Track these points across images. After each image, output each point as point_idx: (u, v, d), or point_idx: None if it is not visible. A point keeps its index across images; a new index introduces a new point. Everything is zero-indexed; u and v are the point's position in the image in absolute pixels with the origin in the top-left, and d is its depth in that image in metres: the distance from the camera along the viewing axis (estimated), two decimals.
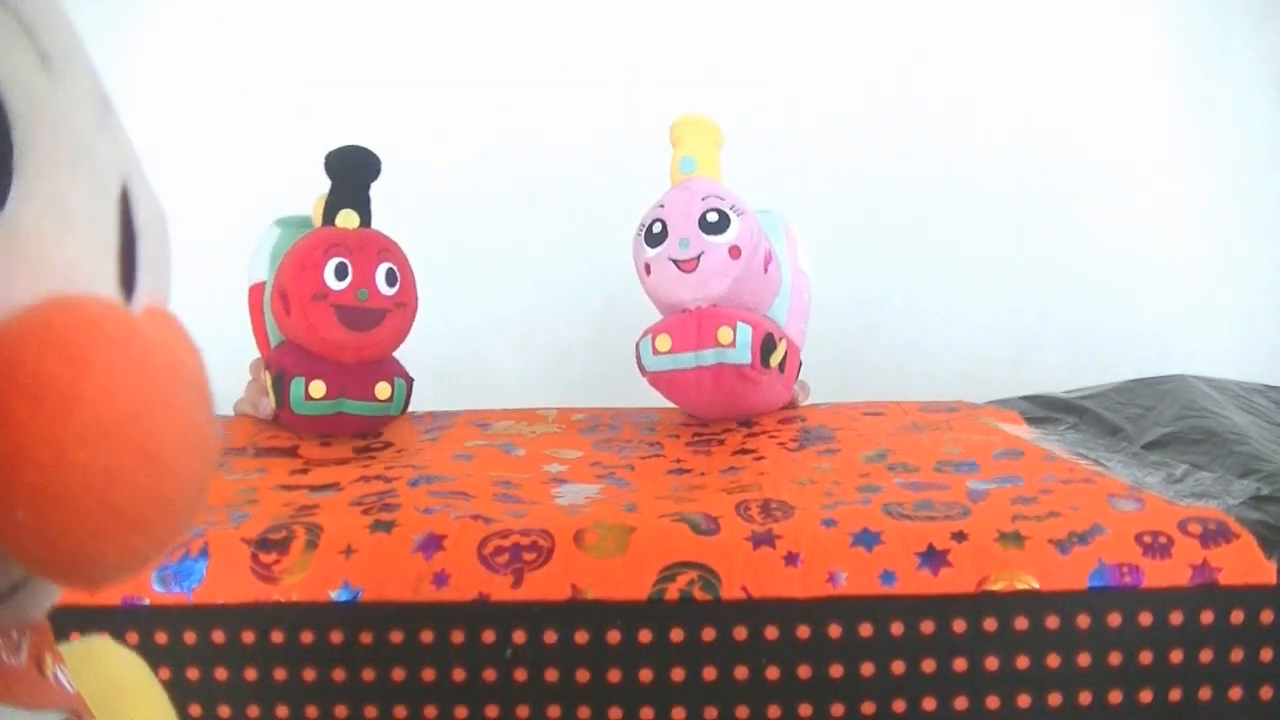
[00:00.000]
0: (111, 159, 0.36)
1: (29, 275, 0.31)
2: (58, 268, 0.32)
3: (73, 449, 0.29)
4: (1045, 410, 1.50)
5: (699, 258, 1.34)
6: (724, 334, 1.31)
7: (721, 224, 1.34)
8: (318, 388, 1.30)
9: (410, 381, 1.41)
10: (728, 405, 1.44)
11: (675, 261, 1.35)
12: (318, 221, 1.39)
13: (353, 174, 1.39)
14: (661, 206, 1.41)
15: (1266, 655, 0.93)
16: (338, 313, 1.30)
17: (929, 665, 0.92)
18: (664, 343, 1.36)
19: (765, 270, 1.40)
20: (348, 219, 1.37)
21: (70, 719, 0.36)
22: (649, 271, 1.39)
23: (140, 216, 0.38)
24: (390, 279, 1.36)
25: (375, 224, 1.40)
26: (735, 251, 1.33)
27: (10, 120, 0.31)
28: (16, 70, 0.32)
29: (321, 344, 1.31)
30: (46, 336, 0.29)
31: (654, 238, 1.39)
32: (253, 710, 0.94)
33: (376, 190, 1.41)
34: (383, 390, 1.36)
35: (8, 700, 0.33)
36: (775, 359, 1.37)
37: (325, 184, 1.37)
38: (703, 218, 1.35)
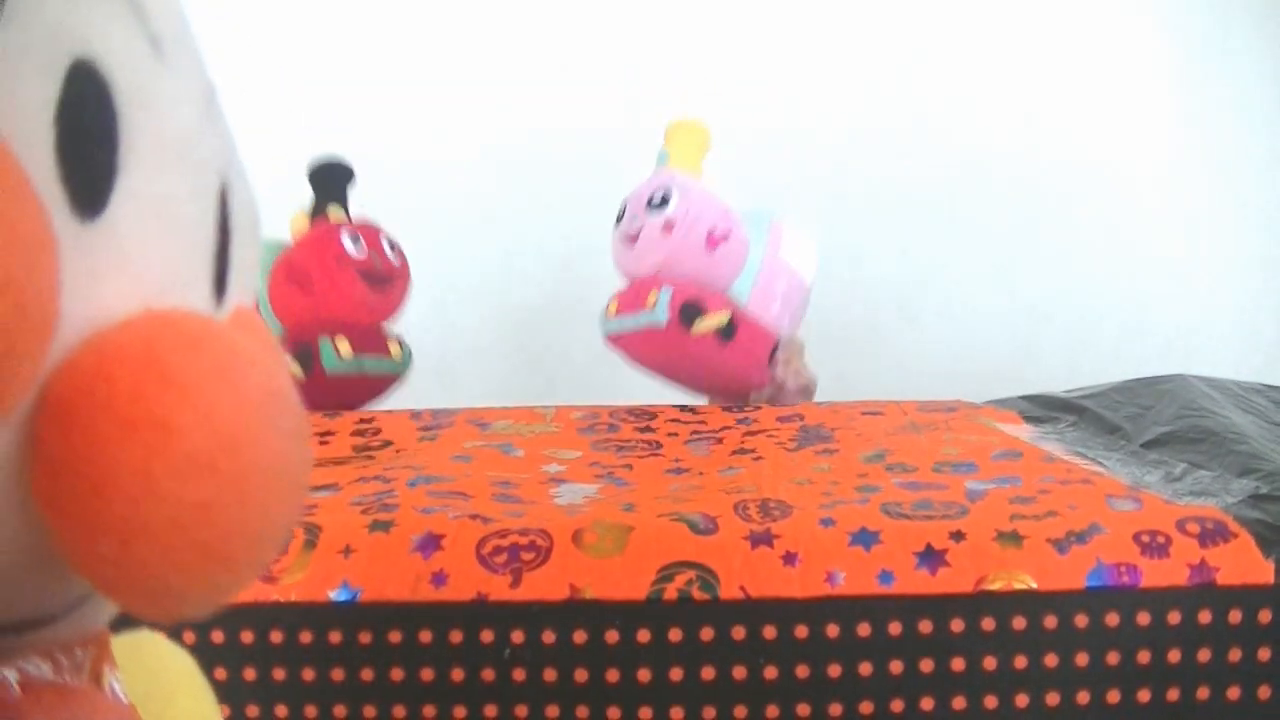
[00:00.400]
0: (214, 154, 0.34)
1: (126, 281, 0.29)
2: (156, 273, 0.30)
3: (165, 482, 0.26)
4: (1044, 410, 1.50)
5: (639, 232, 1.51)
6: (650, 297, 1.47)
7: (663, 203, 1.49)
8: (344, 344, 1.49)
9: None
10: (671, 368, 1.58)
11: (625, 236, 1.53)
12: (298, 231, 1.56)
13: (335, 178, 1.61)
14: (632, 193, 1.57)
15: (1264, 655, 0.93)
16: (361, 274, 1.51)
17: (927, 665, 0.92)
18: (612, 307, 1.55)
19: (709, 247, 1.50)
20: (336, 214, 1.56)
21: None
22: (614, 246, 1.56)
23: (236, 214, 0.36)
24: (392, 247, 1.60)
25: (389, 220, 1.56)
26: (668, 226, 1.47)
27: (117, 112, 0.28)
28: (127, 57, 0.29)
29: (346, 304, 1.50)
30: (145, 357, 0.27)
31: (619, 218, 1.57)
32: (252, 710, 0.94)
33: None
34: (395, 348, 1.60)
35: None
36: (703, 325, 1.46)
37: (302, 189, 1.47)
38: (650, 198, 1.51)
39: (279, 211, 1.57)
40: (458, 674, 0.92)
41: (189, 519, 0.27)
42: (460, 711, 0.93)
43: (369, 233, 1.57)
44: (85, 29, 0.27)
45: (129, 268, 0.29)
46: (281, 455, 0.30)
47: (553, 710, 0.93)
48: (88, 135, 0.28)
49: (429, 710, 0.93)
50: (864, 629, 0.92)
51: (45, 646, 0.31)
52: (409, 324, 1.93)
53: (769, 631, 0.92)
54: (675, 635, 0.92)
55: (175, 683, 0.49)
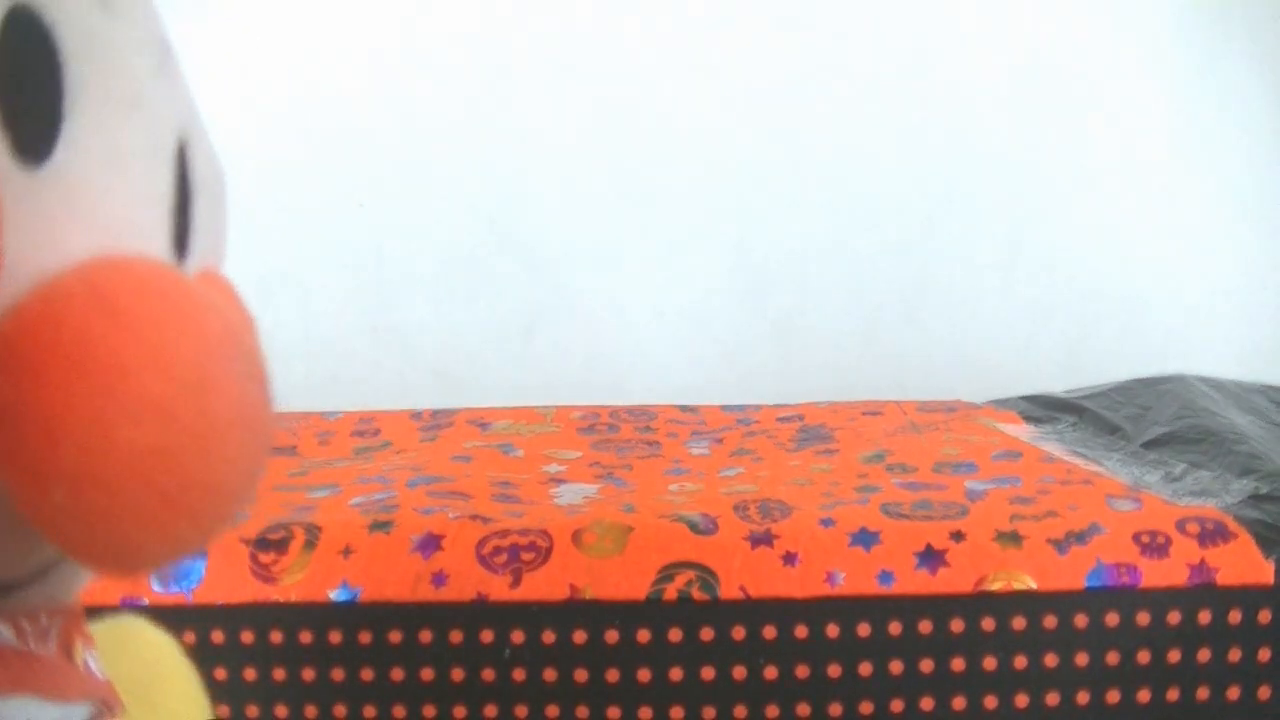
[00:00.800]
0: (169, 109, 0.33)
1: (77, 227, 0.28)
2: (108, 220, 0.29)
3: (118, 426, 0.25)
4: (1044, 410, 1.50)
5: None
6: None
7: None
8: None
9: None
10: None
11: None
12: None
13: None
14: None
15: (1264, 655, 0.93)
16: None
17: (927, 665, 0.92)
18: None
19: None
20: None
21: (99, 709, 0.33)
22: None
23: (198, 173, 0.35)
24: None
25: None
26: None
27: (63, 59, 0.28)
28: (70, 6, 0.28)
29: None
30: (92, 297, 0.26)
31: None
32: (252, 710, 0.94)
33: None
34: None
35: (34, 692, 0.30)
36: None
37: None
38: None
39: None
40: (458, 674, 0.92)
41: (145, 466, 0.26)
42: (460, 711, 0.93)
43: None
44: None
45: (79, 215, 0.28)
46: (242, 400, 0.29)
47: (553, 710, 0.93)
48: (29, 80, 0.27)
49: (429, 710, 0.93)
50: (864, 629, 0.92)
51: (9, 613, 0.30)
52: (410, 324, 1.93)
53: (769, 631, 0.92)
54: (675, 635, 0.92)
55: (163, 669, 0.48)
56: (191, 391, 0.27)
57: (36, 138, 0.27)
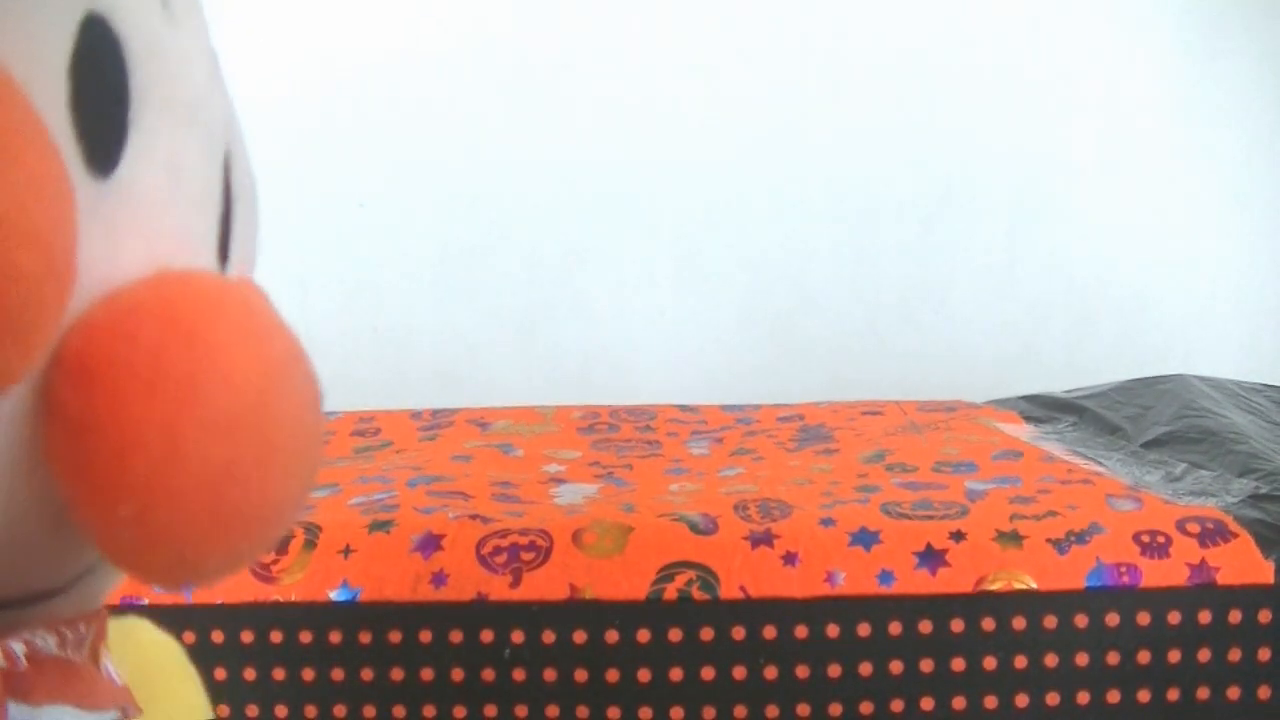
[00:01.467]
0: (220, 117, 0.34)
1: (139, 237, 0.28)
2: (167, 230, 0.29)
3: (191, 442, 0.25)
4: (1044, 410, 1.50)
5: None
6: None
7: None
8: None
9: None
10: None
11: None
12: None
13: None
14: None
15: (1264, 655, 0.93)
16: None
17: (927, 665, 0.92)
18: None
19: None
20: None
21: (121, 715, 0.33)
22: None
23: (237, 180, 0.35)
24: None
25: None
26: None
27: (129, 69, 0.28)
28: (138, 13, 0.28)
29: None
30: (167, 316, 0.26)
31: None
32: (252, 710, 0.94)
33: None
34: None
35: (73, 701, 0.30)
36: None
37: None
38: None
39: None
40: (458, 674, 0.92)
41: (213, 481, 0.26)
42: (460, 711, 0.93)
43: None
44: None
45: (142, 226, 0.28)
46: (300, 420, 0.29)
47: (553, 710, 0.93)
48: (101, 90, 0.27)
49: (429, 710, 0.93)
50: (864, 629, 0.92)
51: (50, 620, 0.31)
52: (410, 324, 1.93)
53: (769, 631, 0.92)
54: (675, 635, 0.92)
55: (164, 670, 0.48)
56: (257, 411, 0.27)
57: (105, 149, 0.27)
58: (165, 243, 0.29)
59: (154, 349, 0.25)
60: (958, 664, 0.92)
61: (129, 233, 0.28)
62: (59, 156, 0.24)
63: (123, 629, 0.46)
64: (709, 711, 0.92)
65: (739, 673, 0.92)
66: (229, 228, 0.34)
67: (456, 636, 0.92)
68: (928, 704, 0.93)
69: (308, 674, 0.93)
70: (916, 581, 0.92)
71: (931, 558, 0.93)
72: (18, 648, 0.29)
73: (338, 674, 0.93)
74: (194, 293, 0.28)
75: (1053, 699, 0.93)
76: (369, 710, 0.93)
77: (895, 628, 0.92)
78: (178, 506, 0.26)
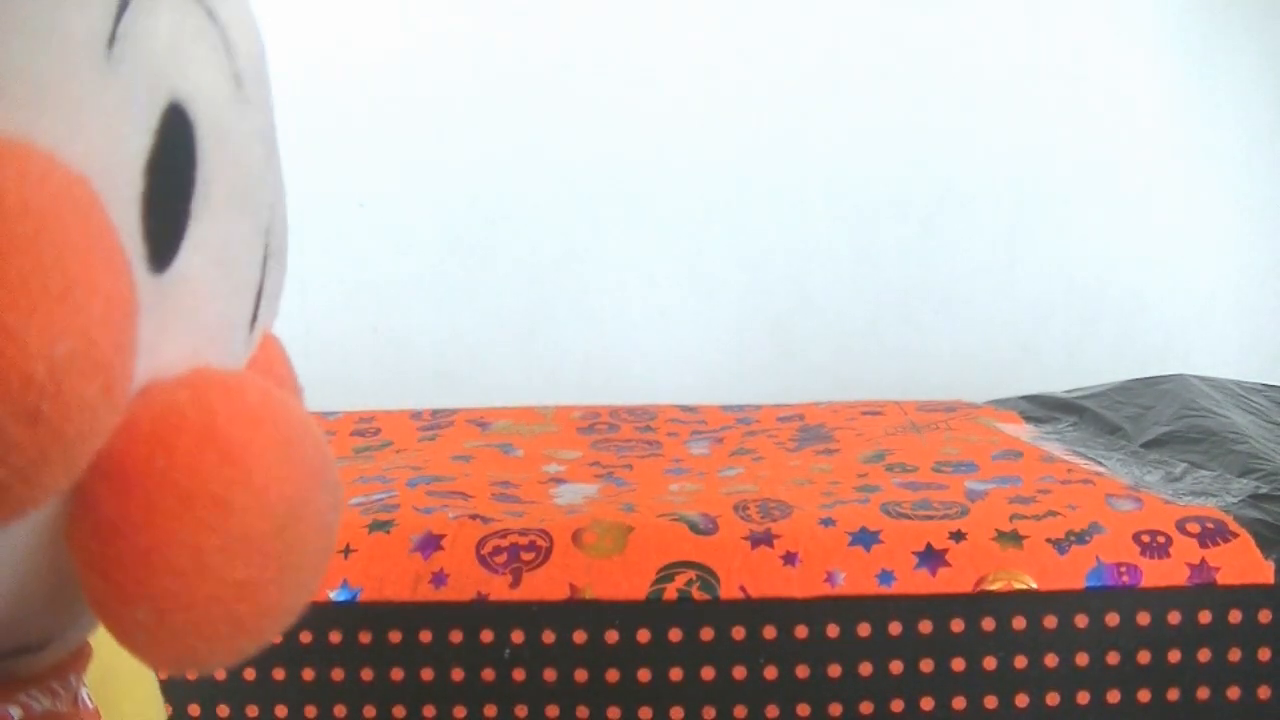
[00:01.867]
0: (271, 191, 0.32)
1: (185, 331, 0.27)
2: (211, 321, 0.29)
3: (215, 559, 0.25)
4: (1045, 410, 1.50)
5: None
6: None
7: None
8: None
9: None
10: None
11: None
12: None
13: None
14: None
15: (1264, 655, 0.93)
16: None
17: (927, 665, 0.92)
18: None
19: None
20: None
21: None
22: None
23: (274, 241, 0.34)
24: None
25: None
26: None
27: (198, 157, 0.27)
28: (213, 97, 0.27)
29: None
30: (206, 429, 0.25)
31: None
32: (251, 710, 0.94)
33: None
34: None
35: None
36: None
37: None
38: None
39: None
40: (458, 674, 0.92)
41: (230, 596, 0.26)
42: (460, 711, 0.93)
43: None
44: (184, 67, 0.26)
45: (188, 318, 0.28)
46: (324, 529, 0.29)
47: (553, 710, 0.93)
48: (173, 185, 0.26)
49: (429, 710, 0.93)
50: (864, 629, 0.92)
51: (43, 678, 0.30)
52: (410, 324, 1.93)
53: (769, 631, 0.92)
54: (675, 635, 0.92)
55: (120, 670, 0.48)
56: (284, 531, 0.27)
57: (167, 245, 0.26)
58: (207, 333, 0.29)
59: (192, 462, 0.25)
60: (958, 664, 0.92)
61: (176, 326, 0.27)
62: (130, 275, 0.23)
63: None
64: (709, 711, 0.92)
65: (739, 673, 0.92)
66: (261, 292, 0.33)
67: (456, 636, 0.92)
68: (928, 704, 0.92)
69: (307, 674, 0.93)
70: (916, 581, 0.92)
71: (931, 558, 0.93)
72: (14, 712, 0.29)
73: (337, 674, 0.93)
74: (235, 403, 0.27)
75: (1053, 699, 0.93)
76: (369, 710, 0.93)
77: (895, 628, 0.92)
78: (193, 615, 0.26)
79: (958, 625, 0.92)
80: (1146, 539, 0.94)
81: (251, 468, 0.26)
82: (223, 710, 0.94)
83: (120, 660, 0.47)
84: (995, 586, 0.92)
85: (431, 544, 0.96)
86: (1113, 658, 0.92)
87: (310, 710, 0.93)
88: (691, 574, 0.92)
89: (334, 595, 0.93)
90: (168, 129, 0.26)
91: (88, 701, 0.35)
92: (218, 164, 0.28)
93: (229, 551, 0.25)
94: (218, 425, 0.26)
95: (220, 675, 0.93)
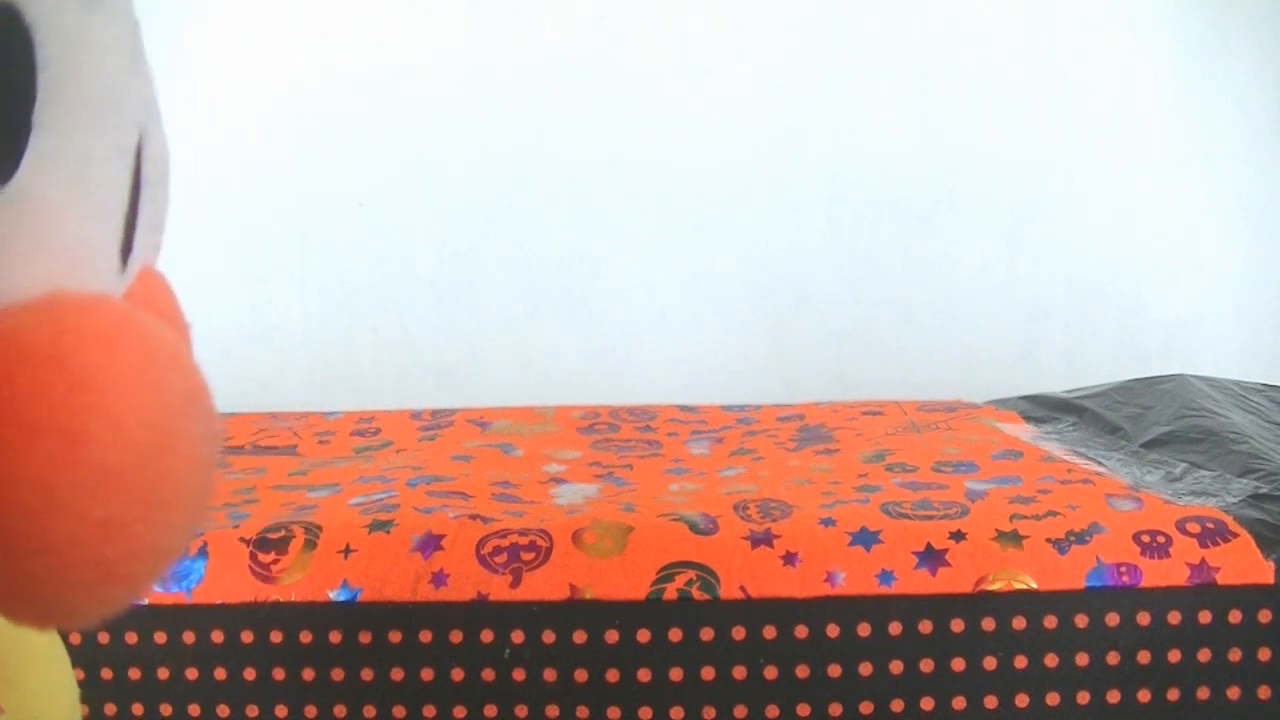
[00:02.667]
0: (136, 108, 0.30)
1: (34, 253, 0.25)
2: (67, 243, 0.26)
3: (70, 497, 0.23)
4: (1045, 410, 1.50)
5: None
6: None
7: None
8: None
9: None
10: None
11: None
12: None
13: None
14: None
15: (1264, 655, 0.93)
16: None
17: (927, 665, 0.92)
18: None
19: None
20: None
21: None
22: None
23: (149, 168, 0.32)
24: None
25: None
26: None
27: (39, 65, 0.25)
28: (56, 1, 0.25)
29: None
30: (53, 356, 0.23)
31: None
32: (251, 710, 0.94)
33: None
34: None
35: None
36: None
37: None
38: None
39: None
40: (458, 674, 0.92)
41: (92, 537, 0.24)
42: (460, 711, 0.93)
43: None
44: None
45: (38, 239, 0.25)
46: (194, 463, 0.27)
47: (553, 710, 0.93)
48: (8, 92, 0.24)
49: (429, 710, 0.93)
50: (864, 629, 0.92)
51: None
52: (410, 324, 1.93)
53: (769, 632, 0.92)
54: (675, 635, 0.92)
55: (28, 651, 0.45)
56: (146, 464, 0.25)
57: (4, 154, 0.24)
58: (62, 256, 0.26)
59: (36, 393, 0.23)
60: (958, 664, 0.92)
61: (24, 247, 0.25)
62: None
63: None
64: (709, 711, 0.92)
65: (739, 673, 0.92)
66: (134, 220, 0.31)
67: (456, 636, 0.92)
68: (928, 704, 0.92)
69: (308, 674, 0.93)
70: (916, 581, 0.92)
71: (931, 558, 0.93)
72: None
73: (337, 674, 0.93)
74: (87, 327, 0.24)
75: (1053, 699, 0.93)
76: (369, 710, 0.93)
77: (895, 628, 0.92)
78: (52, 560, 0.24)
79: (958, 625, 0.92)
80: (1146, 539, 0.94)
81: (106, 395, 0.24)
82: (223, 710, 0.94)
83: (21, 639, 0.44)
84: (995, 586, 0.92)
85: (431, 544, 0.96)
86: (1113, 658, 0.92)
87: (310, 710, 0.93)
88: (691, 574, 0.92)
89: (334, 595, 0.93)
90: None
91: None
92: (64, 73, 0.25)
93: (85, 487, 0.23)
94: (65, 350, 0.23)
95: (220, 676, 0.93)
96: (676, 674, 0.92)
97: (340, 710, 0.93)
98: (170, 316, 0.33)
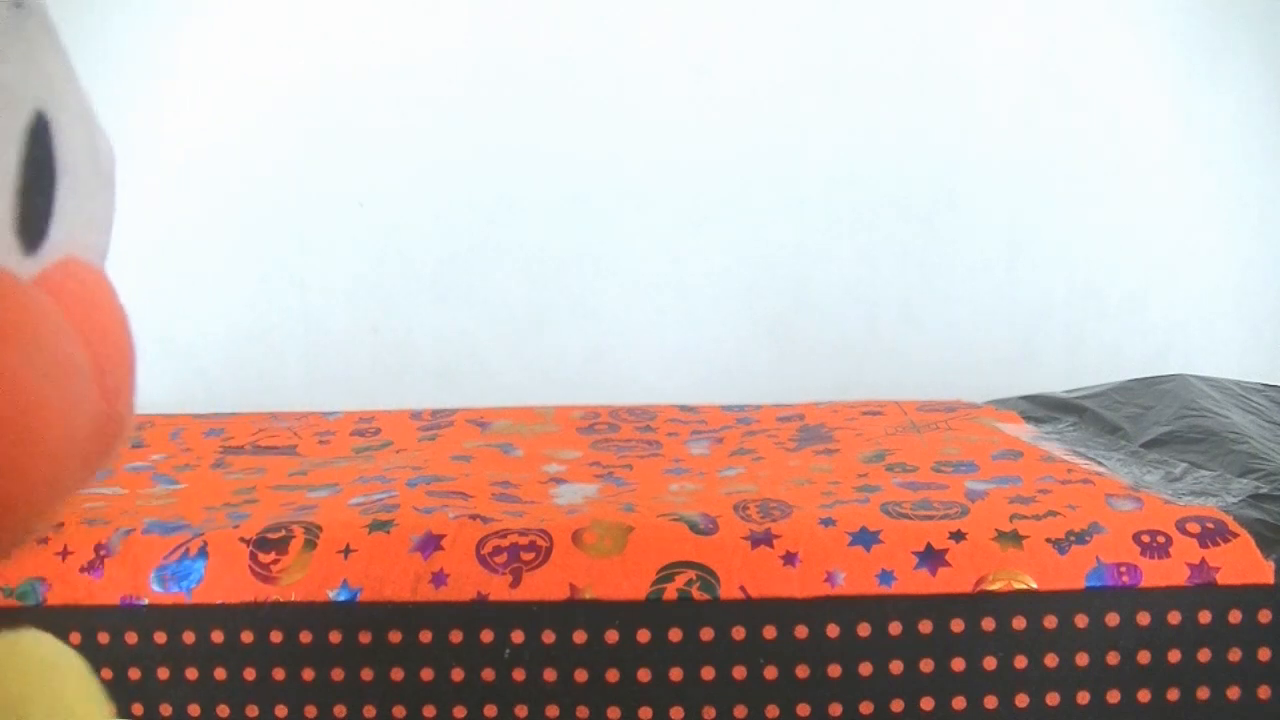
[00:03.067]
0: (21, 80, 0.29)
1: None
2: None
3: None
4: (1045, 410, 1.50)
5: None
6: None
7: None
8: None
9: None
10: None
11: None
12: None
13: None
14: None
15: (1264, 655, 0.93)
16: None
17: (927, 665, 0.92)
18: None
19: None
20: None
21: None
22: None
23: (65, 154, 0.31)
24: None
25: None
26: None
27: None
28: None
29: None
30: None
31: None
32: (251, 710, 0.94)
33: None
34: None
35: None
36: None
37: None
38: None
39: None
40: (458, 674, 0.92)
41: None
42: (460, 711, 0.93)
43: None
44: None
45: None
46: (68, 429, 0.26)
47: (552, 710, 0.93)
48: None
49: (429, 710, 0.93)
50: (864, 629, 0.92)
51: None
52: (410, 324, 1.93)
53: (769, 632, 0.92)
54: (675, 635, 0.92)
55: (53, 688, 0.44)
56: (11, 420, 0.24)
57: None
58: None
59: None
60: (958, 664, 0.92)
61: None
62: None
63: (8, 645, 0.42)
64: (709, 711, 0.92)
65: (739, 673, 0.92)
66: (45, 203, 0.30)
67: (456, 637, 0.92)
68: (928, 704, 0.92)
69: (307, 674, 0.93)
70: (916, 581, 0.92)
71: (931, 558, 0.93)
72: None
73: (337, 674, 0.93)
74: None
75: (1053, 699, 0.93)
76: (369, 710, 0.93)
77: (895, 628, 0.92)
78: None
79: (958, 625, 0.92)
80: (1146, 539, 0.94)
81: None
82: (223, 710, 0.94)
83: (54, 675, 0.43)
84: (995, 586, 0.92)
85: (431, 544, 0.96)
86: (1113, 658, 0.92)
87: (310, 710, 0.93)
88: (691, 574, 0.92)
89: (334, 595, 0.93)
90: None
91: None
92: None
93: None
94: None
95: (220, 676, 0.93)
96: (676, 674, 0.92)
97: (340, 710, 0.93)
98: (98, 308, 0.32)
